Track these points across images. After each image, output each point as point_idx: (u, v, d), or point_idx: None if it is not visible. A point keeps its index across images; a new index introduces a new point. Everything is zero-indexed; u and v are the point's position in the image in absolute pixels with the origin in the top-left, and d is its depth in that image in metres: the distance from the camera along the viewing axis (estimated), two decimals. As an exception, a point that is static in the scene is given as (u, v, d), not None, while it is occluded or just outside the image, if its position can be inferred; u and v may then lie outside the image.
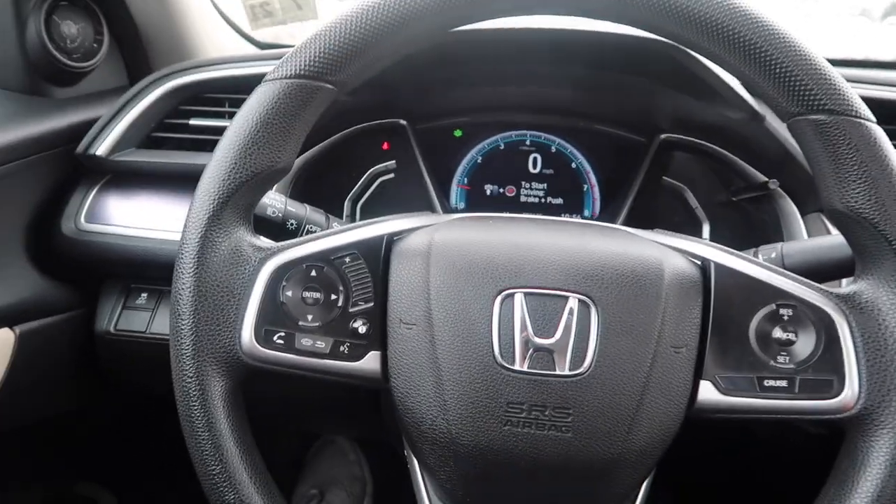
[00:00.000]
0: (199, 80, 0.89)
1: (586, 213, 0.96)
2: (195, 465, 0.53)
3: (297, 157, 0.88)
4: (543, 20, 0.78)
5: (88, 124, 0.88)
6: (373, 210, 0.95)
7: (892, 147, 0.51)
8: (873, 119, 0.51)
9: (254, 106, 0.54)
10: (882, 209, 0.50)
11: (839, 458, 0.52)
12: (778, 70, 0.51)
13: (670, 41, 0.55)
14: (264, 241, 0.56)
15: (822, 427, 0.66)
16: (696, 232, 0.90)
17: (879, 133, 0.51)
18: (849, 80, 0.80)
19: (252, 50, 1.18)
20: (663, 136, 0.90)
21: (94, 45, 0.95)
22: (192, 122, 0.89)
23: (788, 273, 0.54)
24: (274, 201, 0.70)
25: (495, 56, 0.84)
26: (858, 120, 0.50)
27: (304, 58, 0.53)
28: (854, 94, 0.51)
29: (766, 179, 0.82)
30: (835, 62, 0.97)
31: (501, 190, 0.97)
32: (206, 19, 1.10)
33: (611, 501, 0.53)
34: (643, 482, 0.56)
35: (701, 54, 0.55)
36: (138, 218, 0.87)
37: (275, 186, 0.86)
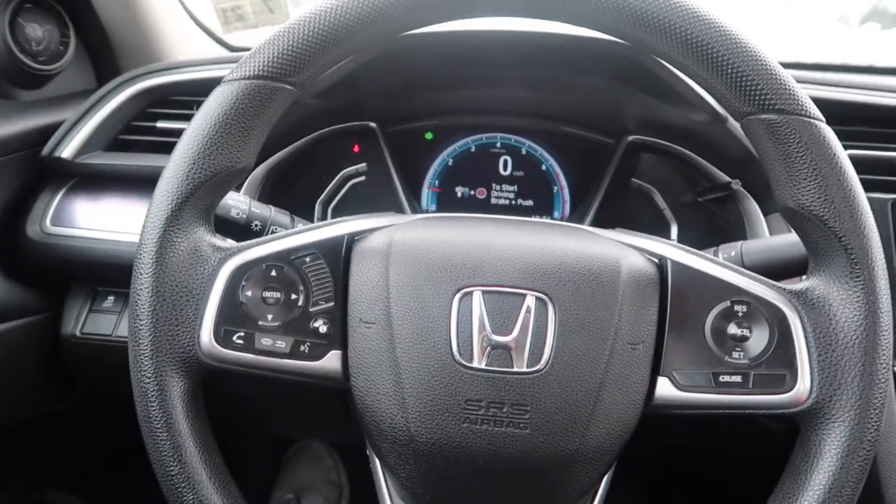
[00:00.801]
0: (166, 82, 0.88)
1: (556, 214, 0.97)
2: (154, 465, 0.53)
3: (267, 159, 0.89)
4: (508, 23, 0.78)
5: (55, 127, 0.88)
6: (344, 213, 0.95)
7: (841, 146, 0.52)
8: (822, 118, 0.52)
9: (212, 106, 0.54)
10: (832, 207, 0.51)
11: (793, 452, 0.53)
12: (730, 71, 0.52)
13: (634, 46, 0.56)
14: (224, 241, 0.56)
15: (781, 423, 0.67)
16: (664, 233, 0.91)
17: (828, 132, 0.52)
18: (811, 83, 0.82)
19: (222, 53, 1.18)
20: (630, 137, 0.91)
21: (61, 47, 0.94)
22: (160, 124, 0.89)
23: (743, 270, 0.54)
24: (238, 202, 0.70)
25: (462, 59, 0.84)
26: (808, 119, 0.51)
27: (262, 59, 0.53)
28: (804, 94, 0.52)
29: (730, 180, 0.83)
30: (806, 66, 0.99)
31: (472, 192, 0.97)
32: (177, 23, 1.09)
33: (569, 497, 0.54)
34: (602, 478, 0.57)
35: (656, 55, 0.56)
36: (105, 221, 0.86)
37: (244, 189, 0.87)
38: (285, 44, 0.53)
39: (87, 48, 1.01)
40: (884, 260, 0.51)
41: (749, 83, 0.51)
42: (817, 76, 0.87)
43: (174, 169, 0.54)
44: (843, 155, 0.51)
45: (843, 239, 0.51)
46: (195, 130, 0.54)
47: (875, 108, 0.83)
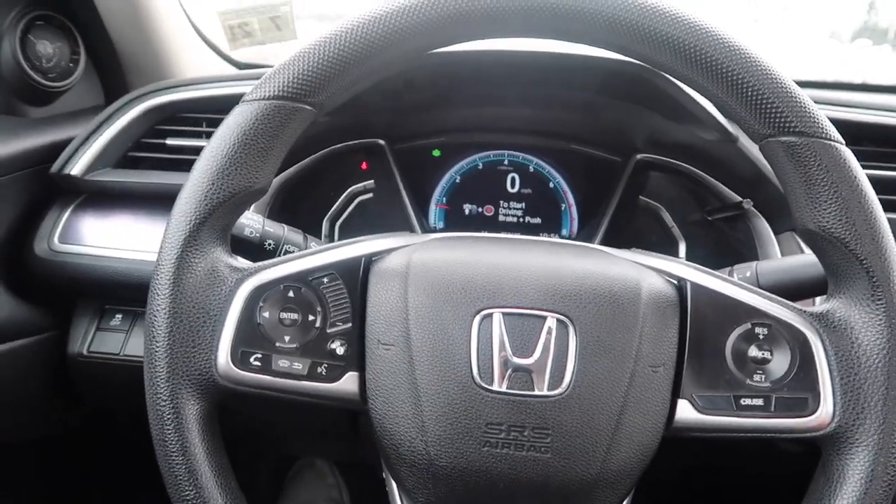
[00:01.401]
0: (175, 99, 0.88)
1: (564, 232, 0.97)
2: (168, 489, 0.52)
3: (277, 175, 0.89)
4: (520, 42, 0.79)
5: (64, 144, 0.87)
6: (351, 229, 0.95)
7: (861, 169, 0.52)
8: (842, 141, 0.52)
9: (232, 126, 0.53)
10: (853, 229, 0.51)
11: (815, 477, 0.53)
12: (749, 93, 0.52)
13: (644, 64, 0.56)
14: (241, 262, 0.55)
15: (801, 445, 0.66)
16: (672, 251, 0.91)
17: (849, 155, 0.52)
18: (816, 102, 0.82)
19: (231, 70, 1.18)
20: (639, 156, 0.91)
21: (70, 64, 0.94)
22: (169, 141, 0.89)
23: (763, 292, 0.54)
24: (251, 221, 0.69)
25: (472, 78, 0.85)
26: (828, 142, 0.51)
27: (282, 79, 0.53)
28: (823, 117, 0.52)
29: (741, 199, 0.83)
30: (804, 84, 1.00)
31: (480, 209, 0.97)
32: (185, 39, 1.10)
33: None
34: (622, 502, 0.56)
35: (674, 77, 0.56)
36: (113, 238, 0.86)
37: (252, 206, 0.86)
38: (305, 64, 0.53)
39: (97, 65, 1.02)
40: None
41: (769, 105, 0.51)
42: (819, 94, 0.88)
43: (193, 189, 0.53)
44: (863, 177, 0.51)
45: (864, 261, 0.51)
46: (214, 150, 0.53)
47: (883, 128, 0.83)
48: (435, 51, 0.75)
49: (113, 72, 1.02)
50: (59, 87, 0.93)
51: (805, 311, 0.53)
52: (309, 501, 1.35)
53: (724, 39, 0.52)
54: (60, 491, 1.16)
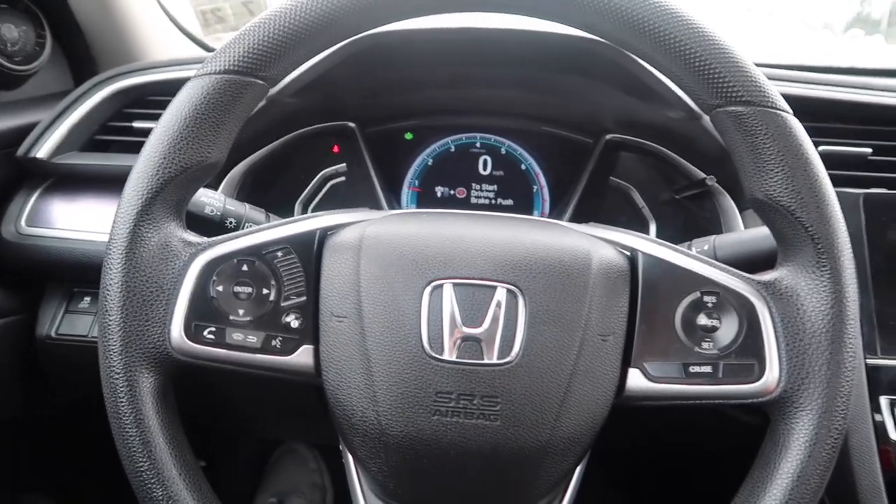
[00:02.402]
0: (142, 82, 0.88)
1: (536, 213, 0.97)
2: (123, 462, 0.52)
3: (246, 158, 0.89)
4: (485, 21, 0.79)
5: (31, 127, 0.87)
6: (322, 213, 0.95)
7: (807, 137, 0.53)
8: (789, 110, 0.52)
9: (183, 101, 0.54)
10: (799, 197, 0.51)
11: (763, 442, 0.54)
12: (697, 64, 0.52)
13: (607, 41, 0.57)
14: (195, 237, 0.56)
15: (753, 416, 0.67)
16: (642, 231, 0.91)
17: (795, 123, 0.52)
18: (782, 80, 0.82)
19: (201, 54, 1.18)
20: (608, 136, 0.91)
21: (36, 48, 0.93)
22: (136, 124, 0.88)
23: (713, 262, 0.55)
24: (212, 200, 0.69)
25: (440, 58, 0.85)
26: (774, 111, 0.52)
27: (233, 53, 0.53)
28: (771, 86, 0.52)
29: (705, 176, 0.84)
30: (793, 67, 1.00)
31: (452, 192, 0.98)
32: (155, 25, 1.09)
33: (541, 489, 0.54)
34: (574, 470, 0.57)
35: (626, 50, 0.56)
36: (81, 221, 0.86)
37: (221, 188, 0.86)
38: (255, 38, 0.53)
39: (64, 49, 1.01)
40: (850, 249, 0.52)
41: (717, 76, 0.52)
42: (794, 74, 0.88)
43: (144, 164, 0.53)
44: (809, 146, 0.52)
45: (809, 229, 0.51)
46: (165, 125, 0.54)
47: (847, 105, 0.84)
48: (404, 30, 0.76)
49: (82, 57, 1.01)
50: (24, 70, 0.92)
51: (753, 280, 0.53)
52: (291, 487, 1.35)
53: (672, 11, 0.52)
54: (28, 475, 1.16)
